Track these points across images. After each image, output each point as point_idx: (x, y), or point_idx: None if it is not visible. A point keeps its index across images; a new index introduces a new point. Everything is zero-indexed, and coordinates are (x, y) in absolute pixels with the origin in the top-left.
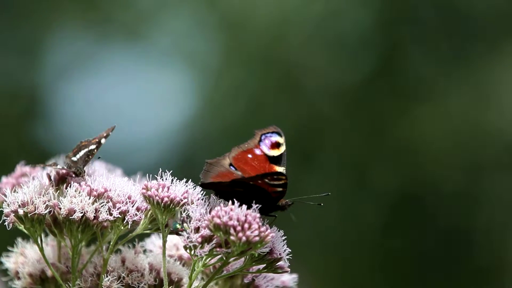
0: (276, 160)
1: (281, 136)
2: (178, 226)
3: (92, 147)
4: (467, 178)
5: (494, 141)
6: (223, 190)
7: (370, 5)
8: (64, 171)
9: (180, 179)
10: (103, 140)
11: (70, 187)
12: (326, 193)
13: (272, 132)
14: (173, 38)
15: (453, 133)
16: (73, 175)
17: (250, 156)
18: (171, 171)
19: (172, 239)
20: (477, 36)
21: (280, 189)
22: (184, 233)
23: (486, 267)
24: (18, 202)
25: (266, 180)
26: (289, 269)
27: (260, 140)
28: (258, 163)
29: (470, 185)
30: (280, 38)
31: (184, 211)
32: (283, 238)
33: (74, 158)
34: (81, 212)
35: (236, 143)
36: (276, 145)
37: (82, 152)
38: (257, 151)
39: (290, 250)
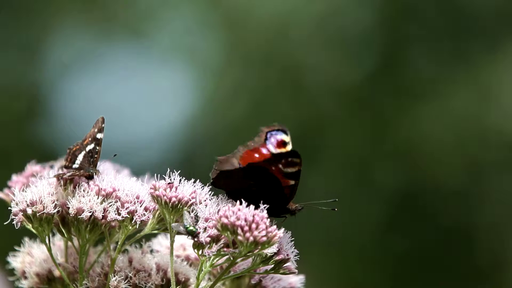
0: None
1: (286, 134)
2: (192, 228)
3: (91, 146)
4: (468, 178)
5: (494, 141)
6: (233, 189)
7: (371, 4)
8: (71, 177)
9: (181, 178)
10: (99, 135)
11: (78, 187)
12: (334, 199)
13: (278, 130)
14: (174, 37)
15: (454, 132)
16: (85, 179)
17: (257, 155)
18: (179, 171)
19: (179, 239)
20: (478, 35)
21: (293, 182)
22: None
23: (486, 267)
24: (26, 201)
25: (280, 166)
26: (296, 271)
27: (266, 139)
28: None
29: (470, 184)
30: (281, 37)
31: (192, 212)
32: (291, 239)
33: (75, 165)
34: (90, 212)
35: (238, 142)
36: (282, 144)
37: (80, 156)
38: (264, 150)
39: (297, 252)
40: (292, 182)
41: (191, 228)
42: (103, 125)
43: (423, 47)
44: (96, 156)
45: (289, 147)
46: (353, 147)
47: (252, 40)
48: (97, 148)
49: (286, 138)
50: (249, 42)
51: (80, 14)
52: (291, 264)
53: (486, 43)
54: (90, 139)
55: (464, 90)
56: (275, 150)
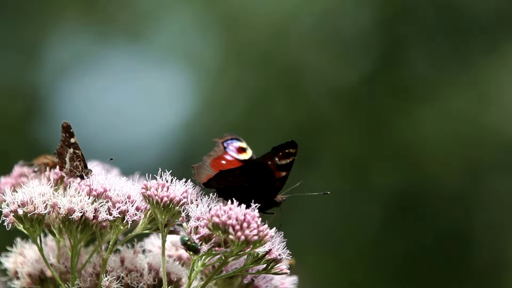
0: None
1: (241, 141)
2: (194, 245)
3: (71, 151)
4: (467, 178)
5: (494, 141)
6: (225, 187)
7: (370, 4)
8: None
9: (180, 178)
10: (72, 140)
11: (69, 187)
12: (326, 192)
13: (231, 139)
14: (173, 37)
15: (453, 133)
16: (79, 179)
17: (224, 162)
18: (171, 170)
19: (171, 239)
20: (477, 35)
21: (284, 173)
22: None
23: (486, 267)
24: (17, 202)
25: (276, 159)
26: (288, 271)
27: (225, 148)
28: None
29: (470, 185)
30: (279, 38)
31: (183, 211)
32: (283, 239)
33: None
34: (81, 212)
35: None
36: (242, 150)
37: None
38: (228, 157)
39: (290, 252)
40: (284, 174)
41: (193, 244)
42: (71, 130)
43: (422, 48)
44: (79, 159)
45: (249, 152)
46: (352, 148)
47: (250, 41)
48: (77, 151)
49: (243, 144)
50: (247, 42)
51: (79, 15)
52: (283, 264)
53: (486, 43)
54: (65, 144)
55: (464, 91)
56: (238, 156)
